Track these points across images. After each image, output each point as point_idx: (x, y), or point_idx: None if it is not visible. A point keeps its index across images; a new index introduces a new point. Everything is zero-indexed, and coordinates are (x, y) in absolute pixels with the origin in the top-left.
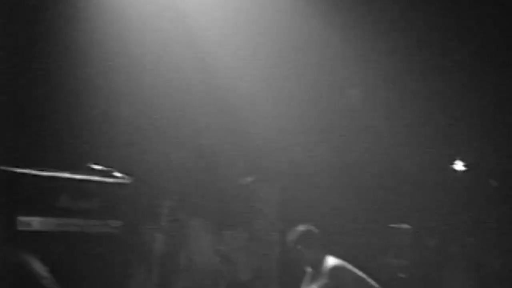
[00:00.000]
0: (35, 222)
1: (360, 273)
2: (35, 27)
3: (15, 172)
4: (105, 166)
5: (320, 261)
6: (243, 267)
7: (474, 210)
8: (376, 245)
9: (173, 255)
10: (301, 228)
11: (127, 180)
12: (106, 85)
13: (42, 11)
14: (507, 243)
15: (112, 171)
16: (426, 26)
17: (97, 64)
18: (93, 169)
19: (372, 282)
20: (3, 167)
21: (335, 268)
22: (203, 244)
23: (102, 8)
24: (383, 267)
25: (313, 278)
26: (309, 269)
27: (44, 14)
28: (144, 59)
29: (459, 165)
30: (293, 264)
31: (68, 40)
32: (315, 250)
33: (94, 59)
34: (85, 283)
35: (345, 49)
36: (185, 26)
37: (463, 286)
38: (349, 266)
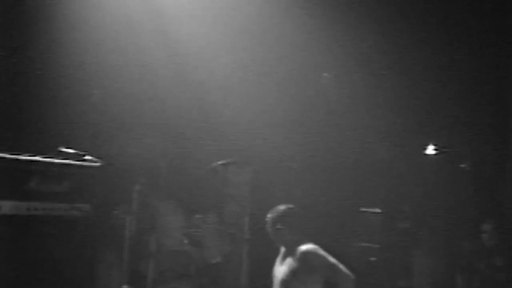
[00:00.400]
0: (5, 206)
1: (331, 259)
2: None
3: None
4: (76, 150)
5: (296, 242)
6: (214, 251)
7: (445, 194)
8: (348, 228)
9: (143, 238)
10: (283, 207)
11: (97, 163)
12: (78, 69)
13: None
14: (477, 226)
15: (82, 155)
16: (401, 12)
17: (69, 48)
18: (64, 152)
19: (343, 268)
20: None
21: (307, 252)
22: (173, 228)
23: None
24: (354, 250)
25: (285, 259)
26: (282, 249)
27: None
28: (117, 45)
29: (430, 149)
30: (265, 245)
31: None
32: (294, 231)
33: (66, 45)
34: (54, 267)
35: (319, 34)
36: (157, 15)
37: (433, 269)
38: (321, 251)
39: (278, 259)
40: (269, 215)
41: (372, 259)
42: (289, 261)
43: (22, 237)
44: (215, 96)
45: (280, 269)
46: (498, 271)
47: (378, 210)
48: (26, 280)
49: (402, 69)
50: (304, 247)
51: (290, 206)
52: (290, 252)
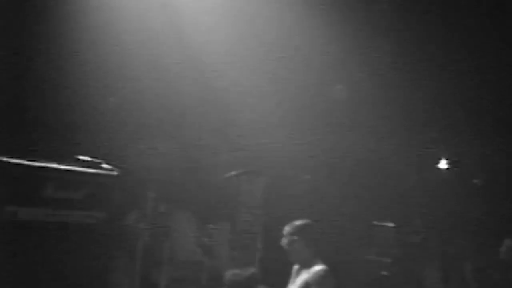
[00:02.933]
0: (21, 212)
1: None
2: (23, 23)
3: (2, 162)
4: (92, 157)
5: (310, 257)
6: (226, 260)
7: (458, 208)
8: (359, 242)
9: (156, 247)
10: (300, 221)
11: (113, 171)
12: (95, 79)
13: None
14: (489, 240)
15: (98, 163)
16: (411, 23)
17: (85, 58)
18: (80, 160)
19: None
20: None
21: (322, 273)
22: (186, 237)
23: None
24: (366, 264)
25: (297, 277)
26: (295, 268)
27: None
28: (131, 53)
29: (443, 164)
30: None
31: (58, 36)
32: (310, 244)
33: (82, 55)
34: (69, 274)
35: (332, 45)
36: (173, 18)
37: (444, 283)
38: (331, 274)
39: (291, 280)
40: (286, 228)
41: (383, 273)
42: (303, 278)
43: (37, 244)
44: (230, 107)
45: (295, 282)
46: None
47: (390, 224)
48: (40, 286)
49: (418, 83)
50: (318, 267)
51: (308, 220)
52: (303, 269)
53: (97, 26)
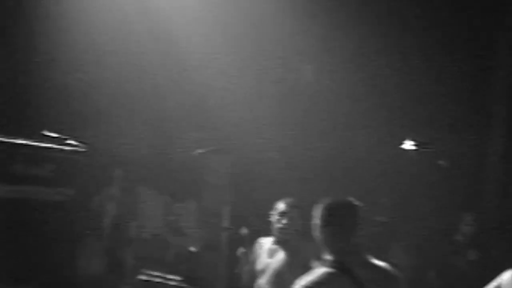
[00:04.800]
0: None
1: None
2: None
3: None
4: (59, 134)
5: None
6: (192, 238)
7: (424, 189)
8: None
9: (123, 225)
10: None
11: (80, 148)
12: (63, 56)
13: None
14: (453, 222)
15: (65, 139)
16: (385, 7)
17: (53, 36)
18: (47, 136)
19: None
20: None
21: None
22: (153, 215)
23: None
24: None
25: (275, 251)
26: (267, 240)
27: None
28: (103, 32)
29: (408, 145)
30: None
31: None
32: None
33: (52, 33)
34: (35, 251)
35: (301, 26)
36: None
37: (409, 263)
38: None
39: (262, 251)
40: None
41: None
42: (283, 253)
43: (4, 221)
44: (199, 86)
45: (271, 261)
46: (472, 265)
47: (358, 204)
48: (6, 263)
49: (383, 64)
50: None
51: (291, 199)
52: (281, 245)
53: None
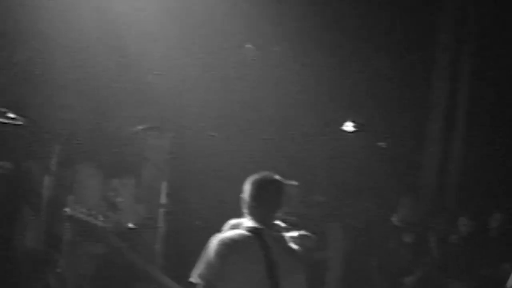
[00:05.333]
0: None
1: None
2: None
3: None
4: None
5: None
6: (130, 214)
7: (362, 171)
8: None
9: (60, 200)
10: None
11: (19, 121)
12: (2, 30)
13: None
14: (391, 202)
15: (3, 112)
16: None
17: None
18: None
19: None
20: None
21: None
22: (91, 190)
23: None
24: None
25: None
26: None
27: None
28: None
29: (349, 126)
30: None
31: None
32: None
33: None
34: None
35: (243, 5)
36: None
37: (346, 243)
38: None
39: None
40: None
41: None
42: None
43: None
44: (139, 62)
45: None
46: (408, 248)
47: (294, 183)
48: None
49: (326, 45)
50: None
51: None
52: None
53: None
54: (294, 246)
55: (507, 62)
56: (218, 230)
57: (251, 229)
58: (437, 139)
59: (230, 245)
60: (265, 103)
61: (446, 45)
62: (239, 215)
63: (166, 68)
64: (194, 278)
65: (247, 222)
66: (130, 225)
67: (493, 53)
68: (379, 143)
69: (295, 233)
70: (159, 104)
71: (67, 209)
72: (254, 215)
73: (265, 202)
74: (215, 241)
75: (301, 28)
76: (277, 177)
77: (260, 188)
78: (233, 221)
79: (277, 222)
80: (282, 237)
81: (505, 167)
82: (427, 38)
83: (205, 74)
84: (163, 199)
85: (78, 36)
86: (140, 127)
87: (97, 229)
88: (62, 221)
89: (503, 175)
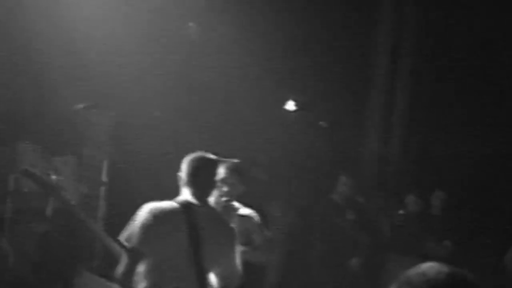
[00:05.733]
0: None
1: None
2: None
3: None
4: None
5: None
6: (71, 193)
7: (304, 149)
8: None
9: (2, 177)
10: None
11: None
12: None
13: None
14: (333, 182)
15: None
16: None
17: None
18: None
19: None
20: None
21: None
22: (32, 168)
23: None
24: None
25: None
26: None
27: None
28: None
29: (290, 105)
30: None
31: None
32: None
33: None
34: None
35: None
36: None
37: (287, 218)
38: None
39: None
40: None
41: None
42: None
43: None
44: (82, 40)
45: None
46: (351, 225)
47: (235, 160)
48: None
49: (269, 25)
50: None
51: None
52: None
53: None
54: (227, 222)
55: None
56: None
57: (181, 202)
58: (379, 116)
59: (155, 214)
60: (207, 82)
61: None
62: (177, 193)
63: (109, 47)
64: (122, 238)
65: (182, 196)
66: (72, 202)
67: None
68: (321, 122)
69: (245, 212)
70: (101, 82)
71: (26, 167)
72: (189, 191)
73: (199, 180)
74: (143, 208)
75: (244, 8)
76: (211, 156)
77: (195, 166)
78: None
79: (233, 202)
80: (215, 212)
81: (448, 145)
82: (370, 15)
83: (148, 53)
84: (104, 177)
85: (19, 15)
86: (82, 105)
87: (52, 187)
88: (2, 199)
89: (446, 153)
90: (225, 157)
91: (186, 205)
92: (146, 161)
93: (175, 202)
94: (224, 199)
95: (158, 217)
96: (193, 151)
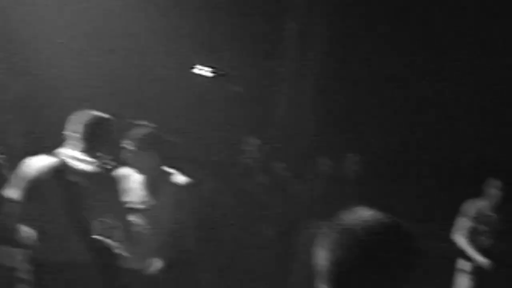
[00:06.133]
0: None
1: None
2: None
3: None
4: None
5: None
6: None
7: (217, 114)
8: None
9: None
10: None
11: None
12: None
13: None
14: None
15: None
16: None
17: None
18: None
19: None
20: None
21: None
22: None
23: None
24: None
25: None
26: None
27: None
28: None
29: (206, 71)
30: None
31: None
32: None
33: None
34: None
35: None
36: None
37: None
38: None
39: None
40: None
41: None
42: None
43: None
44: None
45: None
46: (262, 188)
47: (146, 123)
48: None
49: None
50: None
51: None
52: None
53: None
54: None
55: None
56: None
57: (62, 159)
58: (290, 81)
59: (32, 168)
60: (124, 49)
61: None
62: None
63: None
64: (5, 193)
65: (66, 152)
66: None
67: None
68: (236, 88)
69: (180, 180)
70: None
71: None
72: (76, 147)
73: (97, 139)
74: (24, 162)
75: None
76: (102, 114)
77: (87, 123)
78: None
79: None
80: (98, 170)
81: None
82: None
83: (62, 15)
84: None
85: None
86: None
87: None
88: None
89: (358, 117)
90: (139, 121)
91: (63, 162)
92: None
93: (58, 157)
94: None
95: (35, 172)
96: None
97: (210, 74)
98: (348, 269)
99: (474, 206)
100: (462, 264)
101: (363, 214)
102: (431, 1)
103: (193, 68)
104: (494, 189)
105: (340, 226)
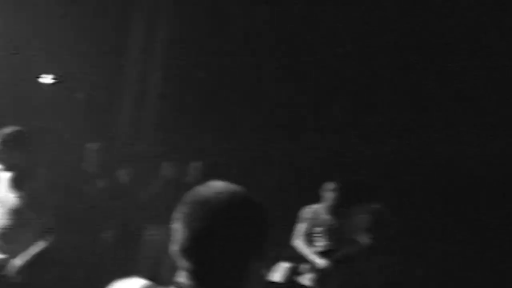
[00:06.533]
0: None
1: None
2: None
3: None
4: None
5: None
6: None
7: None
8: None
9: None
10: None
11: None
12: None
13: None
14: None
15: None
16: None
17: None
18: None
19: None
20: None
21: None
22: None
23: None
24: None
25: None
26: None
27: None
28: None
29: (48, 78)
30: None
31: None
32: None
33: None
34: None
35: None
36: None
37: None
38: None
39: None
40: None
41: None
42: None
43: None
44: None
45: None
46: (103, 193)
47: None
48: None
49: None
50: None
51: None
52: None
53: None
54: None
55: None
56: None
57: None
58: (136, 88)
59: None
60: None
61: None
62: None
63: None
64: None
65: None
66: None
67: None
68: (76, 94)
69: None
70: None
71: None
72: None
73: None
74: None
75: None
76: None
77: None
78: None
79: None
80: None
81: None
82: None
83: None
84: None
85: None
86: None
87: None
88: None
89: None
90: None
91: None
92: None
93: None
94: None
95: None
96: None
97: (52, 81)
98: (205, 242)
99: (311, 211)
100: (302, 267)
101: (216, 186)
102: None
103: (39, 77)
104: (329, 192)
105: (195, 199)
